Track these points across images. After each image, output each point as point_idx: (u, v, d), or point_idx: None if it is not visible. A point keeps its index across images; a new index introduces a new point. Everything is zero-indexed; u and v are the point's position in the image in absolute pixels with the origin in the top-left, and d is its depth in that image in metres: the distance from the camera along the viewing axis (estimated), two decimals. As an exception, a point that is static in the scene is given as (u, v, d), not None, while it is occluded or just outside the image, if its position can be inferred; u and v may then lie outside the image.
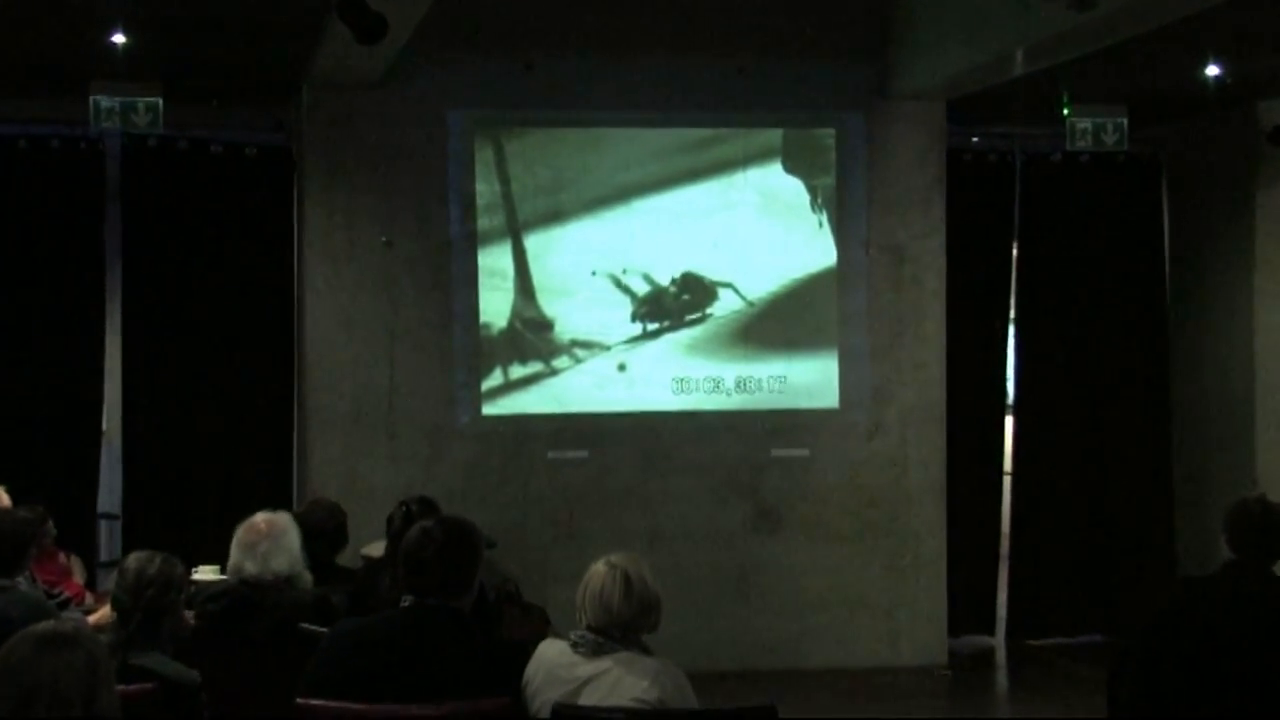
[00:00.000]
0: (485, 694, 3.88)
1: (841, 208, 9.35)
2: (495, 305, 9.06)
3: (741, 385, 9.25)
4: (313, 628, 4.60)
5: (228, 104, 9.09)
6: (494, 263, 9.06)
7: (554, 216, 9.12)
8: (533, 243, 9.10)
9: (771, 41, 9.07)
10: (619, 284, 9.14)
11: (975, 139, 9.97)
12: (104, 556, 8.98)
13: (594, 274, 9.07)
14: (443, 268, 9.01)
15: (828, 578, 9.30)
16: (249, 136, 9.15)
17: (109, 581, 5.12)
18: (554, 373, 9.13)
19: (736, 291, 9.25)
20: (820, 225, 9.36)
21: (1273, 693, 4.20)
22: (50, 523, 6.89)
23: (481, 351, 9.06)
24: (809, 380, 9.30)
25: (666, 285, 9.20)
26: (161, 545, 4.51)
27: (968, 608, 9.84)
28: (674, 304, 9.20)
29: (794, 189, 9.34)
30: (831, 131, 9.35)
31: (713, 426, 9.21)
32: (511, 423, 9.08)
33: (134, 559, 4.33)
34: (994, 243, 10.08)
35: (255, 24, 7.72)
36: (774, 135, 9.33)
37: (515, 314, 9.09)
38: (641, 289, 9.18)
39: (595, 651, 3.91)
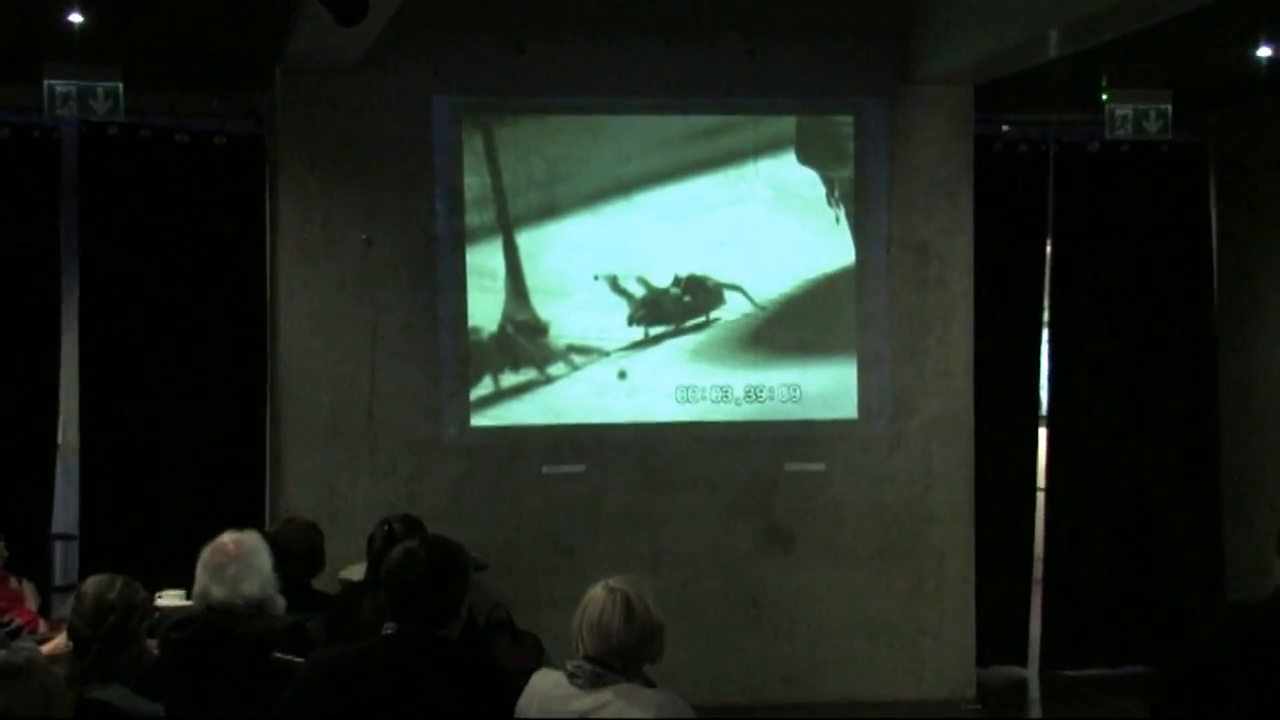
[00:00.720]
0: (474, 729, 3.86)
1: (860, 202, 9.34)
2: (485, 308, 9.07)
3: (751, 394, 9.24)
4: (287, 658, 4.60)
5: (194, 89, 9.05)
6: (483, 262, 9.06)
7: (549, 212, 9.12)
8: (526, 240, 9.10)
9: (784, 21, 9.07)
10: (618, 285, 9.17)
11: (1006, 127, 9.93)
12: (59, 580, 8.93)
13: (595, 277, 9.10)
14: (428, 267, 9.01)
15: (846, 603, 9.29)
16: (217, 125, 9.11)
17: (65, 608, 5.11)
18: (548, 381, 9.14)
19: (745, 293, 9.26)
20: (837, 221, 9.35)
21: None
22: (1, 544, 6.90)
23: (470, 358, 9.07)
24: (825, 389, 9.29)
25: (670, 286, 9.22)
26: (122, 568, 4.52)
27: (998, 636, 9.82)
28: (678, 306, 9.22)
29: (808, 181, 9.33)
30: (850, 119, 9.34)
31: (720, 439, 9.21)
32: (502, 435, 9.08)
33: (92, 583, 4.32)
34: (1026, 239, 10.05)
35: (225, 2, 7.70)
36: (787, 123, 9.32)
37: (507, 317, 9.10)
38: (642, 290, 9.20)
39: (593, 683, 3.90)
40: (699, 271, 9.24)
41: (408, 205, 8.98)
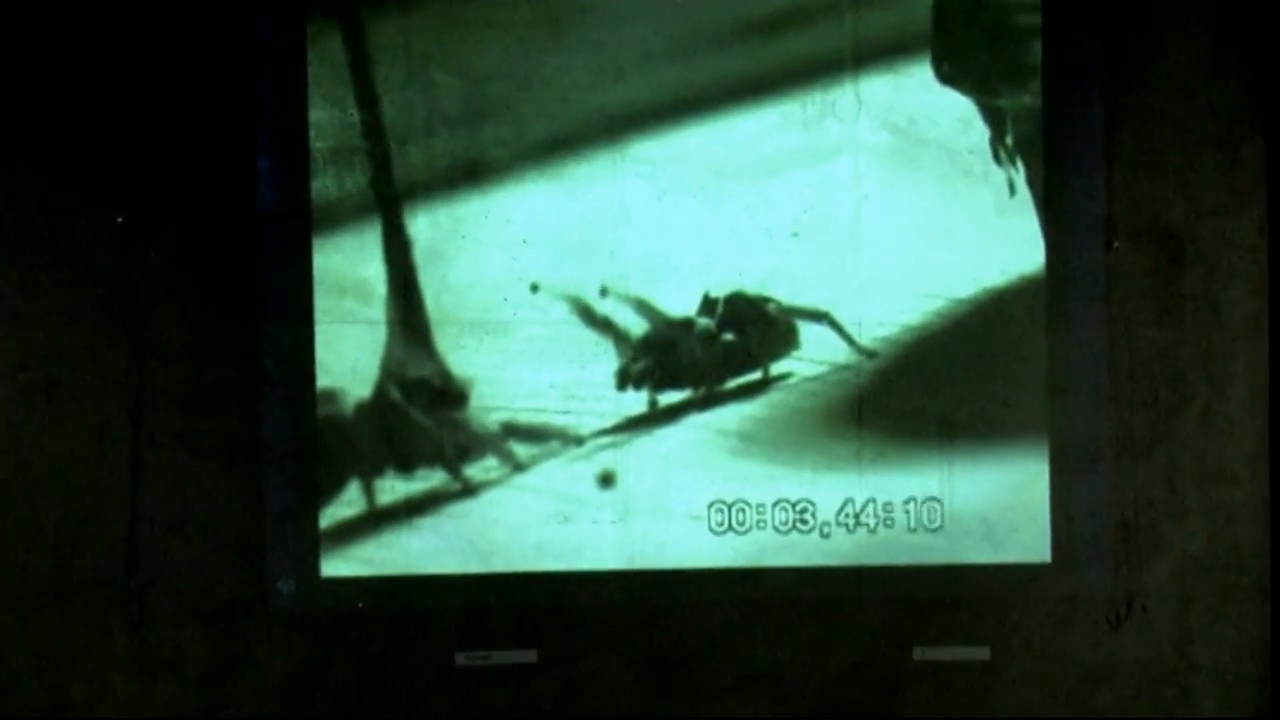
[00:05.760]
0: None
1: (1055, 157, 8.76)
2: (349, 351, 8.54)
3: (851, 517, 8.66)
4: None
5: None
6: (346, 265, 8.53)
7: (469, 173, 8.60)
8: (426, 226, 8.58)
9: None
10: (599, 312, 8.62)
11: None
12: None
13: (556, 297, 8.61)
14: (242, 274, 8.38)
15: None
16: None
17: None
18: (468, 491, 8.58)
19: (837, 326, 8.66)
20: (1011, 190, 8.75)
21: None
22: None
23: (322, 447, 8.52)
24: (989, 506, 8.71)
25: (696, 314, 8.69)
26: None
27: None
28: (710, 351, 8.67)
29: (956, 117, 8.73)
30: (1035, 0, 8.84)
31: (793, 600, 8.63)
32: (383, 594, 8.55)
33: None
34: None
35: None
36: (916, 7, 8.70)
37: (390, 371, 8.59)
38: (644, 322, 8.68)
39: None
40: (749, 287, 8.65)
41: (206, 161, 8.36)
